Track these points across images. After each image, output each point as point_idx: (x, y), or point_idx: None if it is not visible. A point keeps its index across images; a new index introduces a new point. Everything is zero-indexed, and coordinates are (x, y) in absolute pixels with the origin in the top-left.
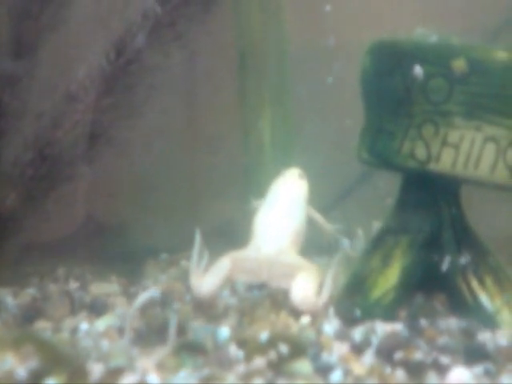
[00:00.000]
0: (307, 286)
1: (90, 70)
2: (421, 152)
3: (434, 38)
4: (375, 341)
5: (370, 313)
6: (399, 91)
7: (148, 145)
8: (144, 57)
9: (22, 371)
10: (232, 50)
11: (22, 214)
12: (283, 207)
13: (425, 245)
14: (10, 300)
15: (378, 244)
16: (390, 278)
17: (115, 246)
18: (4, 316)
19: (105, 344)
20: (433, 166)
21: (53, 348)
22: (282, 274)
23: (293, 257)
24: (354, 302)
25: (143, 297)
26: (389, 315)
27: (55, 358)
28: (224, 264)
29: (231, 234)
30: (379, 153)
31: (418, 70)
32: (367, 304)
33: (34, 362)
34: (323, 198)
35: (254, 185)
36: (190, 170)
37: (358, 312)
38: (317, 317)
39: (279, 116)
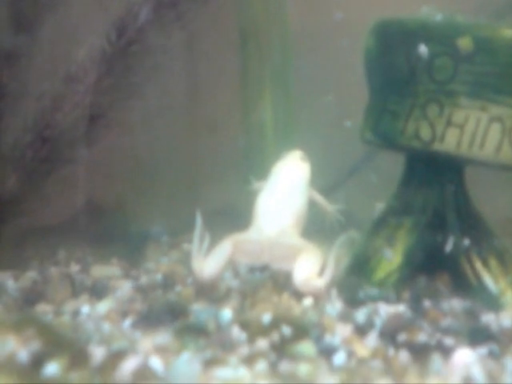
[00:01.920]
0: (309, 267)
1: (91, 51)
2: (425, 132)
3: (438, 17)
4: (378, 322)
5: (373, 294)
6: (403, 71)
7: (149, 127)
8: (145, 37)
9: (23, 354)
10: (233, 30)
11: (23, 197)
12: (285, 189)
13: (428, 226)
14: (10, 283)
15: (382, 225)
16: (393, 259)
17: (116, 229)
18: (5, 299)
19: (106, 327)
20: (437, 147)
21: (54, 331)
22: (283, 255)
23: (295, 239)
24: (357, 283)
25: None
26: (392, 296)
27: (56, 341)
28: (226, 246)
29: (233, 216)
30: (383, 133)
31: (422, 49)
32: (370, 285)
33: (35, 345)
34: (325, 180)
35: (255, 167)
36: (191, 151)
37: (361, 293)
38: (319, 298)
39: (280, 97)
